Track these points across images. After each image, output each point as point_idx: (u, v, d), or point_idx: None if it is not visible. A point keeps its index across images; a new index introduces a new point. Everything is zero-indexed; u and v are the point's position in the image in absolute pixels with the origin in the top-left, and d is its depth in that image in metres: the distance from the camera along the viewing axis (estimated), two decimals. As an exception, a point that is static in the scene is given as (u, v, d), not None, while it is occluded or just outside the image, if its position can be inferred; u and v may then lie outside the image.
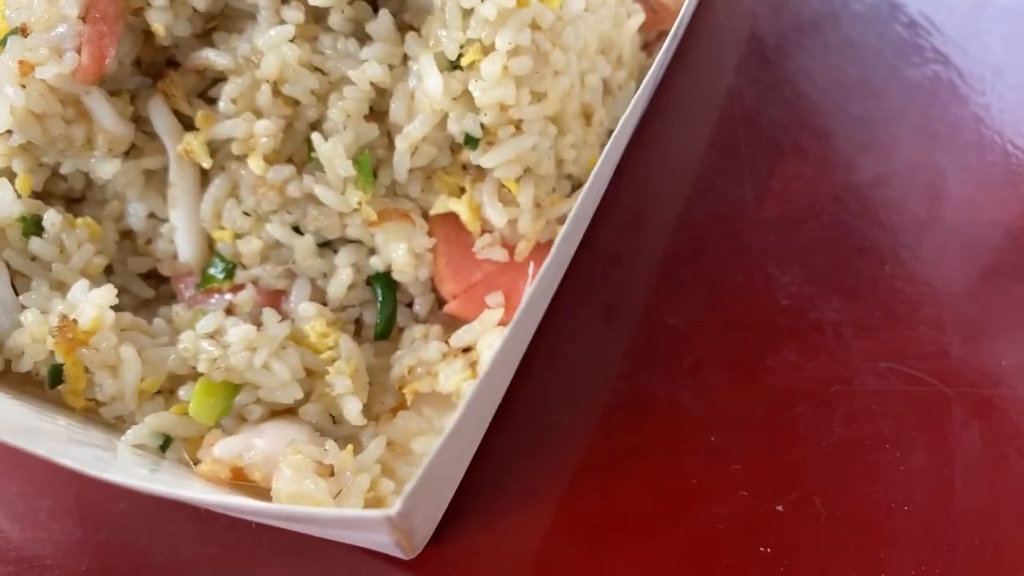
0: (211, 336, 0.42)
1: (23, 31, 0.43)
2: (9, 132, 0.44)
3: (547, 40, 0.43)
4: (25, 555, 0.43)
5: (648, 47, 0.58)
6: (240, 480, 0.40)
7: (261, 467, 0.40)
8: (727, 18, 0.57)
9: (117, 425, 0.44)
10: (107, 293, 0.42)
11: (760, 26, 0.66)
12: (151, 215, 0.48)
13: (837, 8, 0.67)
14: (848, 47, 0.64)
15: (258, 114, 0.44)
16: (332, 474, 0.39)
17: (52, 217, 0.45)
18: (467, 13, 0.43)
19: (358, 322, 0.48)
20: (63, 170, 0.47)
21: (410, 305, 0.48)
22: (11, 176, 0.46)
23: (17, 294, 0.45)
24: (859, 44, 0.64)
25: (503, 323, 0.46)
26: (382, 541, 0.34)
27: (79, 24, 0.42)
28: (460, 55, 0.43)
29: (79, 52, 0.42)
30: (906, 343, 0.50)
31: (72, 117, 0.44)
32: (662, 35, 0.61)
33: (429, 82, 0.43)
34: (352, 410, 0.42)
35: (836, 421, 0.47)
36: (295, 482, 0.37)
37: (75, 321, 0.41)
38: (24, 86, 0.42)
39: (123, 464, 0.40)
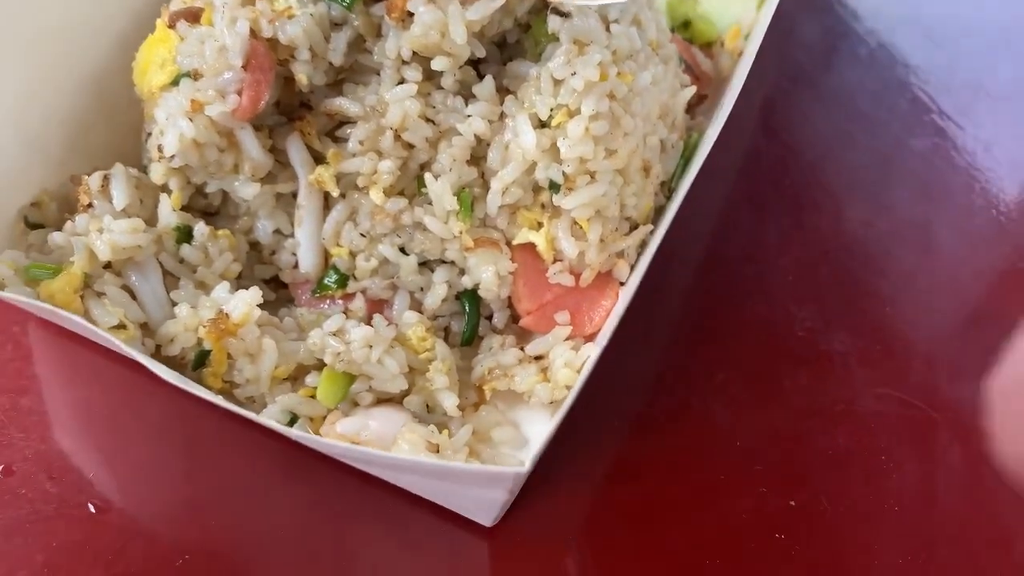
0: (335, 334, 0.51)
1: (195, 75, 0.52)
2: (172, 156, 0.53)
3: (620, 108, 0.53)
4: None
5: (690, 109, 0.68)
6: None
7: (374, 443, 0.49)
8: (755, 86, 0.66)
9: (247, 404, 0.53)
10: (255, 293, 0.51)
11: (784, 97, 0.76)
12: (276, 231, 0.57)
13: (852, 85, 0.77)
14: (860, 118, 0.74)
15: (380, 154, 0.53)
16: (437, 451, 0.48)
17: (200, 229, 0.54)
18: (558, 83, 0.52)
19: (447, 330, 0.57)
20: (208, 189, 0.56)
21: (489, 318, 0.57)
22: (167, 191, 0.55)
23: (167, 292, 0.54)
24: (870, 117, 0.74)
25: (569, 337, 0.55)
26: (492, 498, 0.43)
27: (242, 72, 0.51)
28: (550, 116, 0.52)
29: (239, 95, 0.52)
30: (902, 373, 0.59)
31: (225, 147, 0.53)
32: (702, 98, 0.71)
33: (524, 137, 0.52)
34: (449, 403, 0.51)
35: (841, 435, 0.56)
36: (412, 455, 0.46)
37: (227, 315, 0.50)
38: (192, 120, 0.52)
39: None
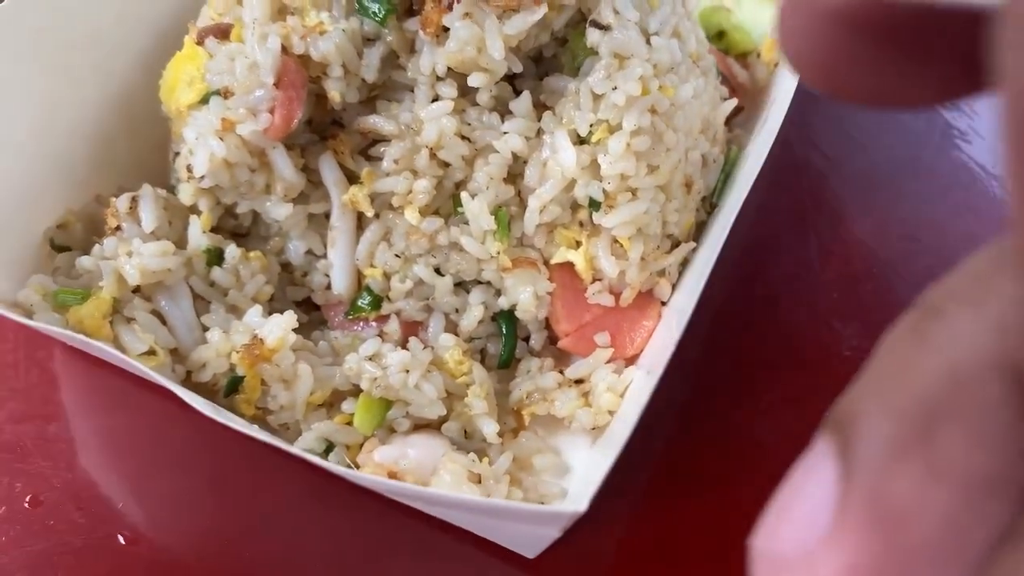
0: (371, 359, 0.50)
1: (225, 93, 0.51)
2: (202, 176, 0.52)
3: (663, 122, 0.51)
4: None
5: (727, 121, 0.66)
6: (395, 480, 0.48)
7: (414, 472, 0.47)
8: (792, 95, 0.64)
9: (280, 432, 0.51)
10: (290, 318, 0.49)
11: (822, 106, 0.74)
12: (308, 251, 0.55)
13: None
14: (902, 130, 0.72)
15: (415, 173, 0.52)
16: (479, 481, 0.46)
17: (232, 251, 0.53)
18: (598, 97, 0.51)
19: (483, 352, 0.55)
20: (238, 210, 0.55)
21: (527, 339, 0.56)
22: (196, 212, 0.54)
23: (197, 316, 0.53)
24: (912, 128, 0.72)
25: (611, 360, 0.53)
26: (542, 534, 0.41)
27: (273, 90, 0.50)
28: (590, 132, 0.51)
29: (271, 113, 0.50)
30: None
31: (256, 167, 0.52)
32: (738, 110, 0.69)
33: (563, 154, 0.51)
34: (489, 430, 0.49)
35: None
36: (454, 486, 0.44)
37: (262, 340, 0.49)
38: (222, 139, 0.50)
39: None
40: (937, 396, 0.14)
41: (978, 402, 0.14)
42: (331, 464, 0.42)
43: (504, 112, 0.53)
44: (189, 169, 0.52)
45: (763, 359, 0.58)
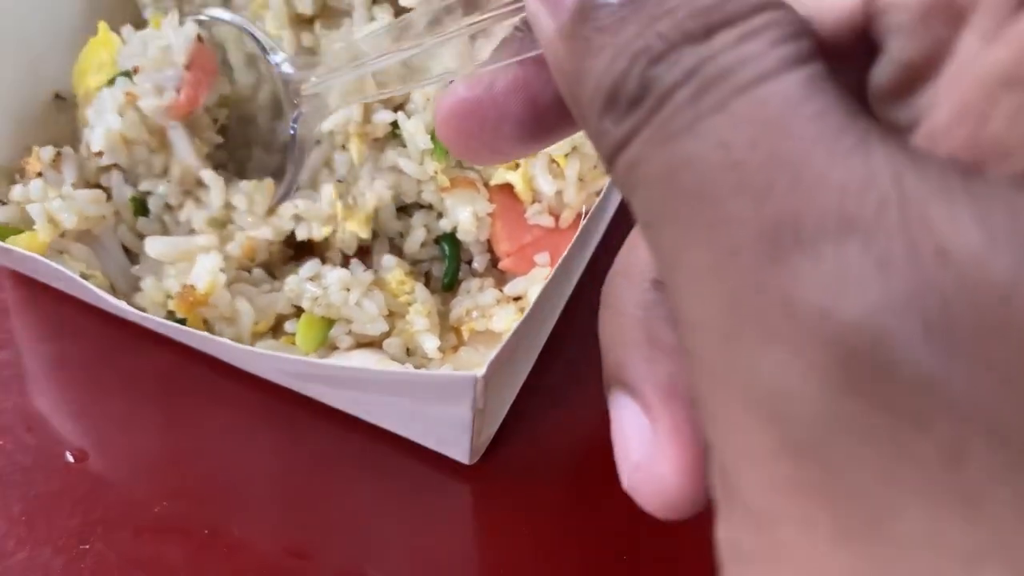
0: (311, 279, 0.51)
1: (134, 71, 0.51)
2: (100, 152, 0.51)
3: None
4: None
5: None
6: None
7: (351, 385, 0.48)
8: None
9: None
10: (215, 259, 0.50)
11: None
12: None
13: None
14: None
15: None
16: (413, 391, 0.47)
17: (156, 200, 0.53)
18: (531, 16, 0.51)
19: (427, 275, 0.56)
20: (141, 188, 0.54)
21: (470, 263, 0.57)
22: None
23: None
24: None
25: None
26: (460, 416, 0.42)
27: (184, 72, 0.50)
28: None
29: (178, 92, 0.50)
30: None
31: (155, 146, 0.52)
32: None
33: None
34: (430, 345, 0.50)
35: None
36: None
37: (193, 287, 0.49)
38: (122, 115, 0.50)
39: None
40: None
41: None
42: (277, 352, 0.43)
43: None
44: (88, 148, 0.52)
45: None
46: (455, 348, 0.53)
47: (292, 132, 0.49)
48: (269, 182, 0.51)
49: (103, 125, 0.51)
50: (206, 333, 0.45)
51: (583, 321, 0.51)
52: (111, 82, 0.52)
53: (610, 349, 0.22)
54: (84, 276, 0.49)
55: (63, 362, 0.54)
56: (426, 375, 0.42)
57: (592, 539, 0.47)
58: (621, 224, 0.58)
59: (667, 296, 0.18)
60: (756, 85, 0.15)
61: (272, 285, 0.53)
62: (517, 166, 0.54)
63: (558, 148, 0.52)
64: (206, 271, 0.50)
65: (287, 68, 0.48)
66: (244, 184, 0.51)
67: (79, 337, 0.55)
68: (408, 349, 0.52)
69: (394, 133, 0.53)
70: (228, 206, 0.52)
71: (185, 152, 0.51)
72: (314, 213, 0.51)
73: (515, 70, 0.22)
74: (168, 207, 0.54)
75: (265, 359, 0.44)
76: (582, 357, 0.54)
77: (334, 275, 0.50)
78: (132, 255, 0.55)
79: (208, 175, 0.51)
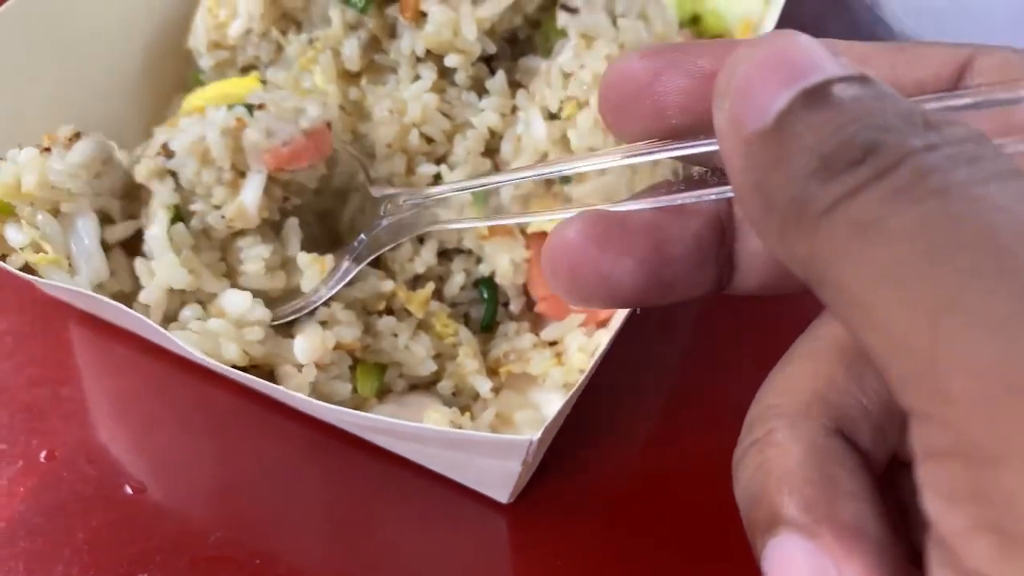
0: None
1: (258, 106, 0.49)
2: (172, 154, 0.49)
3: (629, 98, 0.55)
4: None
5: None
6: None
7: (400, 425, 0.51)
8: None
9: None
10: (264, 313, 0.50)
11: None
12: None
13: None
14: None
15: (406, 152, 0.55)
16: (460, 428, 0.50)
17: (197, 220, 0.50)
18: (567, 76, 0.54)
19: (466, 317, 0.59)
20: (190, 207, 0.50)
21: (506, 305, 0.59)
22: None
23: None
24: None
25: (584, 324, 0.57)
26: (507, 469, 0.45)
27: (301, 135, 0.49)
28: (560, 108, 0.54)
29: (284, 146, 0.49)
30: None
31: (226, 181, 0.49)
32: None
33: (535, 129, 0.54)
34: (484, 388, 0.53)
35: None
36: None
37: None
38: (222, 135, 0.48)
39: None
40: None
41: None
42: (317, 403, 0.46)
43: (481, 91, 0.56)
44: (165, 147, 0.50)
45: (739, 317, 0.62)
46: (496, 390, 0.56)
47: (365, 237, 0.50)
48: (324, 260, 0.50)
49: (196, 132, 0.49)
50: (271, 384, 0.47)
51: (619, 360, 0.53)
52: (231, 106, 0.50)
53: (765, 489, 0.20)
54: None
55: (123, 397, 0.58)
56: (485, 437, 0.44)
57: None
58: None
59: (882, 364, 0.17)
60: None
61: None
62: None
63: (592, 199, 0.55)
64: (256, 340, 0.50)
65: (377, 191, 0.51)
66: (302, 255, 0.51)
67: (138, 373, 0.58)
68: (456, 390, 0.55)
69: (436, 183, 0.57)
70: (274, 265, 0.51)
71: (251, 199, 0.49)
72: (371, 290, 0.53)
73: (652, 214, 0.23)
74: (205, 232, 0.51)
75: (332, 412, 0.46)
76: (618, 394, 0.57)
77: (383, 322, 0.53)
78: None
79: (292, 223, 0.51)
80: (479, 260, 0.58)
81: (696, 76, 0.25)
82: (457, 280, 0.57)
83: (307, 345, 0.49)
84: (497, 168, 0.57)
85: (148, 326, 0.48)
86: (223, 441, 0.56)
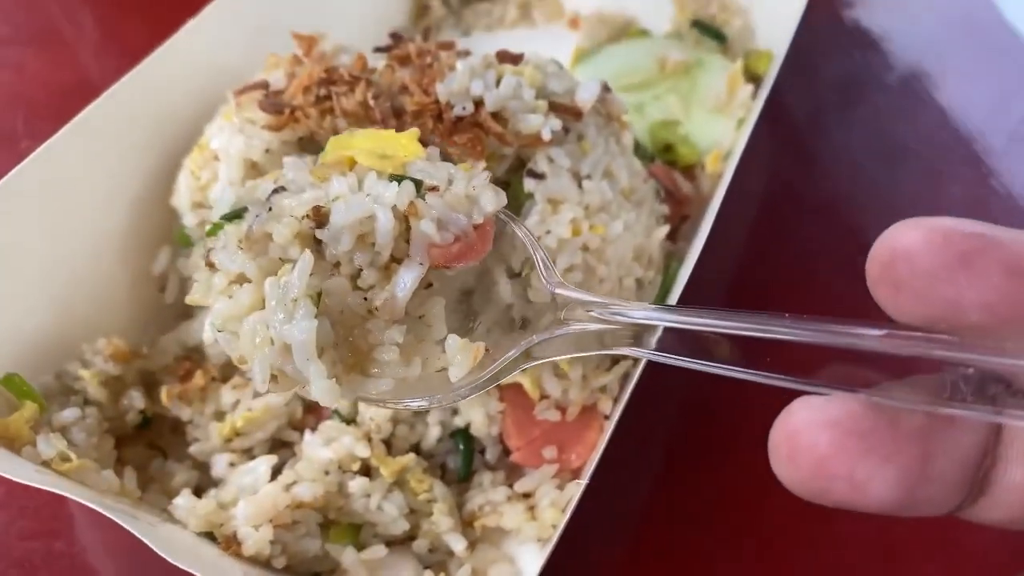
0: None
1: (428, 188, 0.43)
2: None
3: (594, 258, 0.57)
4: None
5: (673, 232, 0.72)
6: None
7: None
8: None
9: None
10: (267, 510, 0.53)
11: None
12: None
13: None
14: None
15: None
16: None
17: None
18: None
19: (443, 466, 0.61)
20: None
21: (482, 452, 0.61)
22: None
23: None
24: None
25: (557, 473, 0.58)
26: None
27: (471, 228, 0.44)
28: (522, 268, 0.56)
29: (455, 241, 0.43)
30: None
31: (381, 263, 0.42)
32: (684, 219, 0.74)
33: (502, 287, 0.56)
34: (459, 547, 0.55)
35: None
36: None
37: (240, 542, 0.53)
38: (394, 217, 0.41)
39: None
40: None
41: None
42: None
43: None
44: (317, 212, 0.41)
45: (705, 470, 0.63)
46: (472, 544, 0.57)
47: (537, 338, 0.46)
48: (477, 348, 0.44)
49: (362, 207, 0.40)
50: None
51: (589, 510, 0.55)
52: (395, 177, 0.43)
53: None
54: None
55: (112, 551, 0.59)
56: None
57: None
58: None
59: None
60: None
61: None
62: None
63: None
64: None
65: (561, 290, 0.45)
66: (452, 339, 0.44)
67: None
68: (431, 547, 0.56)
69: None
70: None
71: (405, 292, 0.41)
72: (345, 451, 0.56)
73: (924, 418, 0.19)
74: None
75: None
76: (599, 546, 0.58)
77: (355, 483, 0.55)
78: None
79: (437, 305, 0.45)
80: (455, 412, 0.60)
81: (1017, 274, 0.21)
82: (433, 433, 0.59)
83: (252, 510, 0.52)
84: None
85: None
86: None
